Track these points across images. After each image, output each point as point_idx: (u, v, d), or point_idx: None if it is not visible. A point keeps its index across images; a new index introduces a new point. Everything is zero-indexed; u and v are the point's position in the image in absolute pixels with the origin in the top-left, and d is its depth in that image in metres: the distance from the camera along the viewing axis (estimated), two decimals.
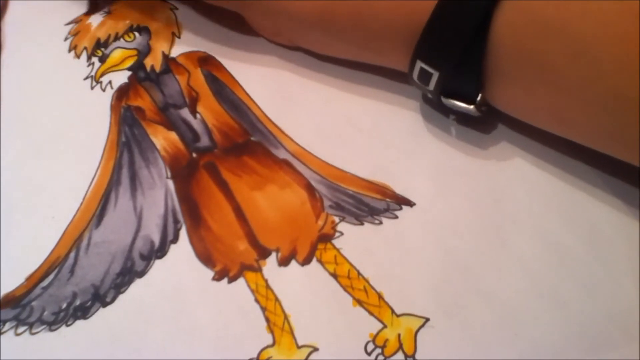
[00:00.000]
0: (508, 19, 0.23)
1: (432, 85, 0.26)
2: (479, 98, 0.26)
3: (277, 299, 0.25)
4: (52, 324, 0.25)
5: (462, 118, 0.28)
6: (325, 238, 0.26)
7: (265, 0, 0.28)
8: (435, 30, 0.24)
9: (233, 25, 0.32)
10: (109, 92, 0.31)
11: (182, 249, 0.26)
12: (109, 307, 0.26)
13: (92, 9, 0.32)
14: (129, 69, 0.31)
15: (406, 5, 0.25)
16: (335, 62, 0.30)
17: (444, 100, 0.27)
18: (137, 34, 0.33)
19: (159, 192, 0.28)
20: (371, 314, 0.25)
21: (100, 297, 0.26)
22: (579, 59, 0.22)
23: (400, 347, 0.24)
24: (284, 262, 0.26)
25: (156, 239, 0.27)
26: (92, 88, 0.31)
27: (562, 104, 0.24)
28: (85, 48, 0.32)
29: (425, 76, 0.26)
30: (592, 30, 0.22)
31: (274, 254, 0.26)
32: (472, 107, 0.26)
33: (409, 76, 0.27)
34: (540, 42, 0.23)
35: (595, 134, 0.24)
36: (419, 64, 0.26)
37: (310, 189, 0.27)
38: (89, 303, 0.26)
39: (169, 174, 0.28)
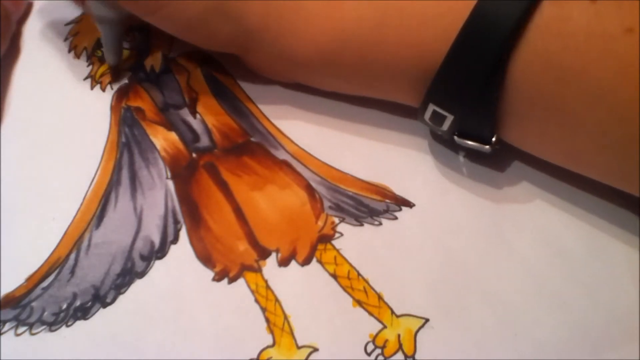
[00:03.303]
0: (525, 63, 0.22)
1: (445, 126, 0.25)
2: (494, 139, 0.25)
3: (277, 300, 0.25)
4: (52, 325, 0.25)
5: (473, 152, 0.28)
6: (325, 239, 0.26)
7: (267, 45, 0.27)
8: (448, 76, 0.24)
9: None
10: (109, 93, 0.31)
11: (182, 250, 0.26)
12: (109, 308, 0.26)
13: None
14: (128, 69, 0.31)
15: (416, 49, 0.24)
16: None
17: (457, 140, 0.26)
18: (136, 34, 0.33)
19: (159, 193, 0.28)
20: (371, 314, 0.25)
21: (101, 297, 0.26)
22: (598, 103, 0.22)
23: (400, 347, 0.24)
24: (284, 262, 0.26)
25: (156, 240, 0.27)
26: (92, 88, 0.31)
27: (579, 146, 0.23)
28: (85, 48, 0.32)
29: (438, 118, 0.25)
30: (611, 76, 0.21)
31: (274, 255, 0.26)
32: (487, 147, 0.25)
33: (419, 115, 0.26)
34: (558, 87, 0.22)
35: (611, 174, 0.24)
36: (432, 107, 0.25)
37: (310, 189, 0.27)
38: (89, 304, 0.26)
39: (169, 175, 0.28)
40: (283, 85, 0.30)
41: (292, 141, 0.29)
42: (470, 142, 0.26)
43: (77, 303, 0.26)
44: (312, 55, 0.26)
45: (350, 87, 0.28)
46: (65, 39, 0.33)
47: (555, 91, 0.22)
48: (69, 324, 0.25)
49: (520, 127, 0.25)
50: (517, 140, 0.26)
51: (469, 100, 0.24)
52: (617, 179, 0.24)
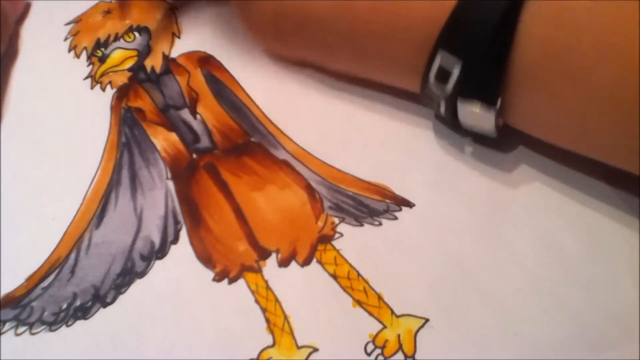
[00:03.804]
0: (538, 15, 0.22)
1: (450, 84, 0.24)
2: (499, 103, 0.24)
3: (277, 300, 0.25)
4: (53, 324, 0.25)
5: (477, 138, 0.27)
6: (325, 239, 0.26)
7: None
8: (461, 20, 0.23)
9: (233, 25, 0.32)
10: (109, 93, 0.31)
11: (183, 250, 0.26)
12: (109, 308, 0.26)
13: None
14: (129, 69, 0.31)
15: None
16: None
17: (461, 107, 0.25)
18: (137, 34, 0.33)
19: (159, 193, 0.28)
20: (371, 314, 0.25)
21: (101, 297, 0.26)
22: (611, 61, 0.22)
23: (400, 347, 0.24)
24: (284, 263, 0.26)
25: (156, 240, 0.27)
26: (92, 88, 0.31)
27: (588, 108, 0.23)
28: (85, 48, 0.32)
29: (444, 75, 0.24)
30: (624, 34, 0.21)
31: (274, 255, 0.26)
32: (491, 112, 0.24)
33: (424, 82, 0.25)
34: (570, 44, 0.22)
35: (617, 145, 0.24)
36: (440, 56, 0.24)
37: (310, 189, 0.27)
38: (89, 303, 0.26)
39: (169, 175, 0.28)
40: (283, 84, 0.30)
41: (292, 141, 0.29)
42: (473, 108, 0.24)
43: (77, 303, 0.26)
44: (324, 8, 0.26)
45: (353, 54, 0.27)
46: (65, 39, 0.33)
47: (567, 48, 0.22)
48: (69, 323, 0.25)
49: (529, 90, 0.24)
50: (524, 109, 0.25)
51: (481, 42, 0.23)
52: (622, 156, 0.24)
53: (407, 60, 0.26)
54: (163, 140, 0.29)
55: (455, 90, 0.25)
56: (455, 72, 0.24)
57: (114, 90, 0.31)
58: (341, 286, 0.25)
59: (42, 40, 0.33)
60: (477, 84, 0.24)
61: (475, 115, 0.25)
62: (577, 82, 0.23)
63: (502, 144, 0.28)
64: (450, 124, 0.27)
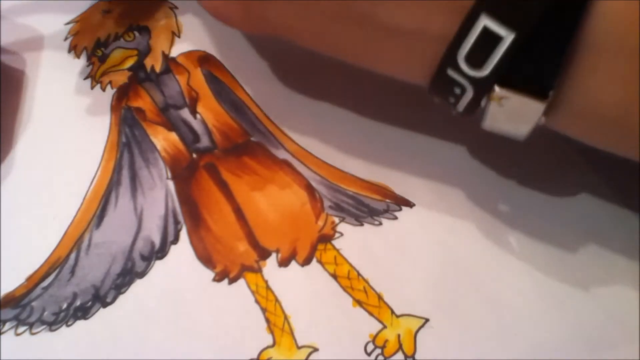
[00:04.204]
0: None
1: (492, 62, 0.18)
2: (551, 93, 0.18)
3: (277, 300, 0.25)
4: (53, 324, 0.25)
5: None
6: (325, 239, 0.26)
7: None
8: None
9: None
10: (109, 92, 0.31)
11: (183, 250, 0.26)
12: (109, 308, 0.26)
13: None
14: (129, 69, 0.31)
15: None
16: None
17: (498, 92, 0.19)
18: (137, 33, 0.33)
19: (159, 193, 0.28)
20: (371, 314, 0.25)
21: (101, 297, 0.26)
22: None
23: (400, 347, 0.24)
24: (284, 263, 0.26)
25: (157, 240, 0.27)
26: (92, 88, 0.31)
27: None
28: (85, 48, 0.32)
29: (481, 52, 0.18)
30: None
31: (274, 255, 0.26)
32: (540, 106, 0.18)
33: (447, 60, 0.19)
34: None
35: None
36: (483, 22, 0.18)
37: (310, 189, 0.27)
38: (90, 303, 0.26)
39: (169, 175, 0.28)
40: (283, 84, 0.30)
41: (292, 140, 0.29)
42: (516, 101, 0.19)
43: (77, 303, 0.26)
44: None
45: (358, 32, 0.21)
46: (65, 39, 0.33)
47: None
48: (69, 323, 0.25)
49: (599, 73, 0.18)
50: (583, 99, 0.19)
51: (541, 14, 0.17)
52: None
53: (424, 29, 0.19)
54: (163, 140, 0.29)
55: (499, 71, 0.19)
56: (503, 46, 0.18)
57: (114, 90, 0.31)
58: (341, 286, 0.25)
59: (42, 40, 0.33)
60: (533, 66, 0.18)
61: (516, 111, 0.19)
62: None
63: (502, 143, 0.28)
64: (462, 117, 0.22)
